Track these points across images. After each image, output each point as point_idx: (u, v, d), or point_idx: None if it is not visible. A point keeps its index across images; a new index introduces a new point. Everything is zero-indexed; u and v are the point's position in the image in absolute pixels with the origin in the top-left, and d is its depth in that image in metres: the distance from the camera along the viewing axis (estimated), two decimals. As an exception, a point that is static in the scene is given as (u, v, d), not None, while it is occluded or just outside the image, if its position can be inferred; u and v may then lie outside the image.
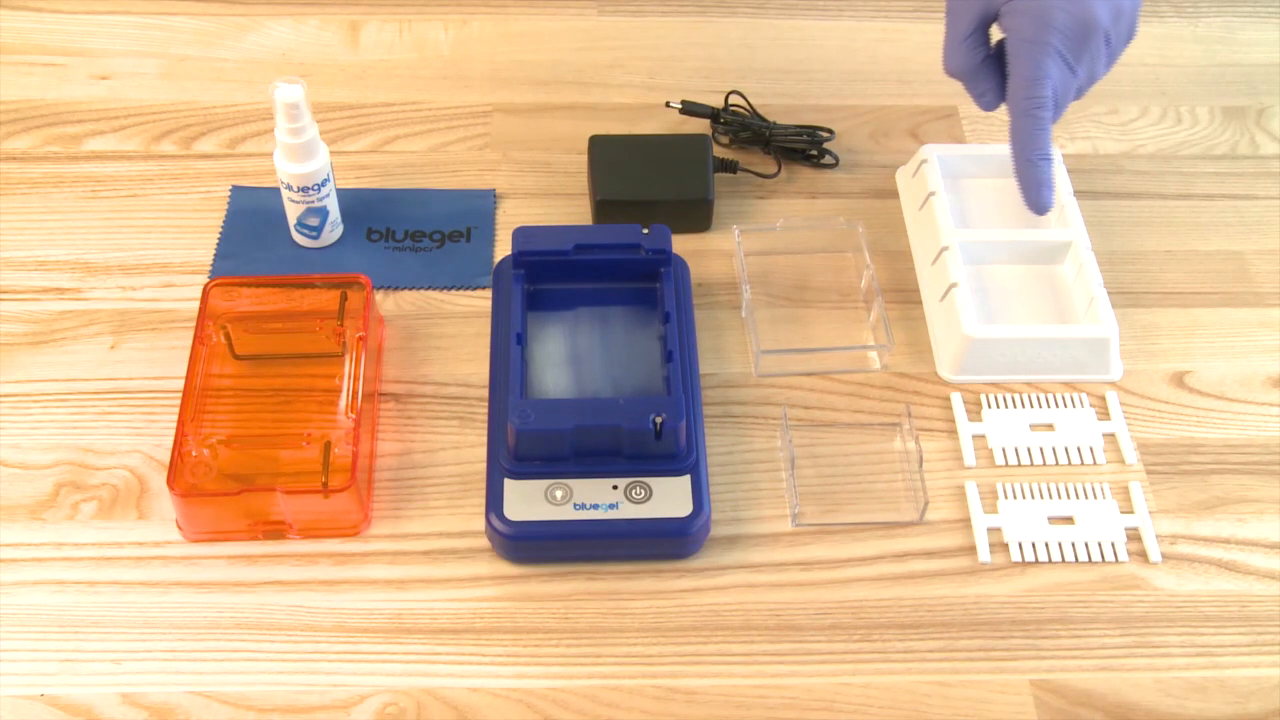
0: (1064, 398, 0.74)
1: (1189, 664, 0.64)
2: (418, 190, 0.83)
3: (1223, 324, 0.78)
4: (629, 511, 0.65)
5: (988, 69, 0.73)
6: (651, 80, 0.92)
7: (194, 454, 0.66)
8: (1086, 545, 0.68)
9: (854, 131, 0.88)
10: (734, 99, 0.88)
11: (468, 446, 0.70)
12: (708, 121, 0.87)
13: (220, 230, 0.80)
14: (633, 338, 0.73)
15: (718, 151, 0.86)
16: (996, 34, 0.74)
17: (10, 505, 0.67)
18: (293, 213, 0.78)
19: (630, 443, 0.65)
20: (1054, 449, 0.71)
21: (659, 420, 0.64)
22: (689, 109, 0.87)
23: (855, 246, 0.80)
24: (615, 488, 0.65)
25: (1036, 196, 0.73)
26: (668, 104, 0.87)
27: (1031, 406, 0.73)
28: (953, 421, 0.73)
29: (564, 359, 0.72)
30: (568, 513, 0.64)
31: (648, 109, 0.89)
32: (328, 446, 0.66)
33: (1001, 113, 0.90)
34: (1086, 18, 0.69)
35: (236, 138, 0.86)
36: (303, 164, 0.74)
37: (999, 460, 0.71)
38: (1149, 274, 0.81)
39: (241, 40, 0.93)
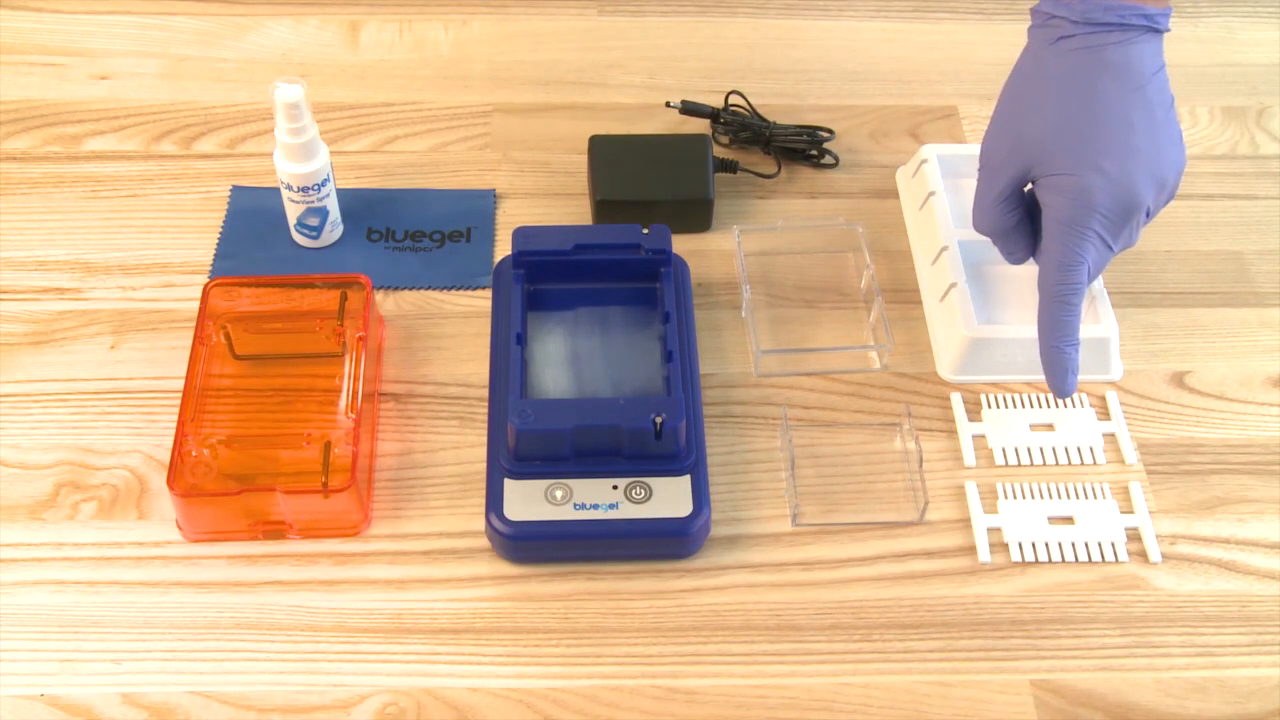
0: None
1: (1189, 664, 0.64)
2: (418, 190, 0.83)
3: (1223, 324, 0.78)
4: (629, 511, 0.65)
5: (1020, 230, 0.70)
6: (651, 80, 0.92)
7: (194, 454, 0.66)
8: (1086, 545, 0.68)
9: (854, 131, 0.88)
10: (734, 99, 0.88)
11: (468, 446, 0.70)
12: (708, 121, 0.87)
13: (220, 230, 0.80)
14: (633, 338, 0.73)
15: (718, 151, 0.86)
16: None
17: (10, 505, 0.67)
18: (293, 213, 0.78)
19: (630, 443, 0.65)
20: (1054, 449, 0.71)
21: (659, 420, 0.64)
22: (689, 109, 0.87)
23: (855, 246, 0.80)
24: (615, 488, 0.65)
25: (1061, 383, 0.68)
26: (668, 104, 0.87)
27: (1031, 406, 0.73)
28: (953, 421, 0.73)
29: (564, 359, 0.72)
30: (568, 513, 0.64)
31: (648, 109, 0.89)
32: (328, 446, 0.66)
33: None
34: (1129, 200, 0.65)
35: (236, 138, 0.86)
36: (303, 164, 0.74)
37: (999, 460, 0.71)
38: (1149, 274, 0.81)
39: (241, 40, 0.93)
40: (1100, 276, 0.75)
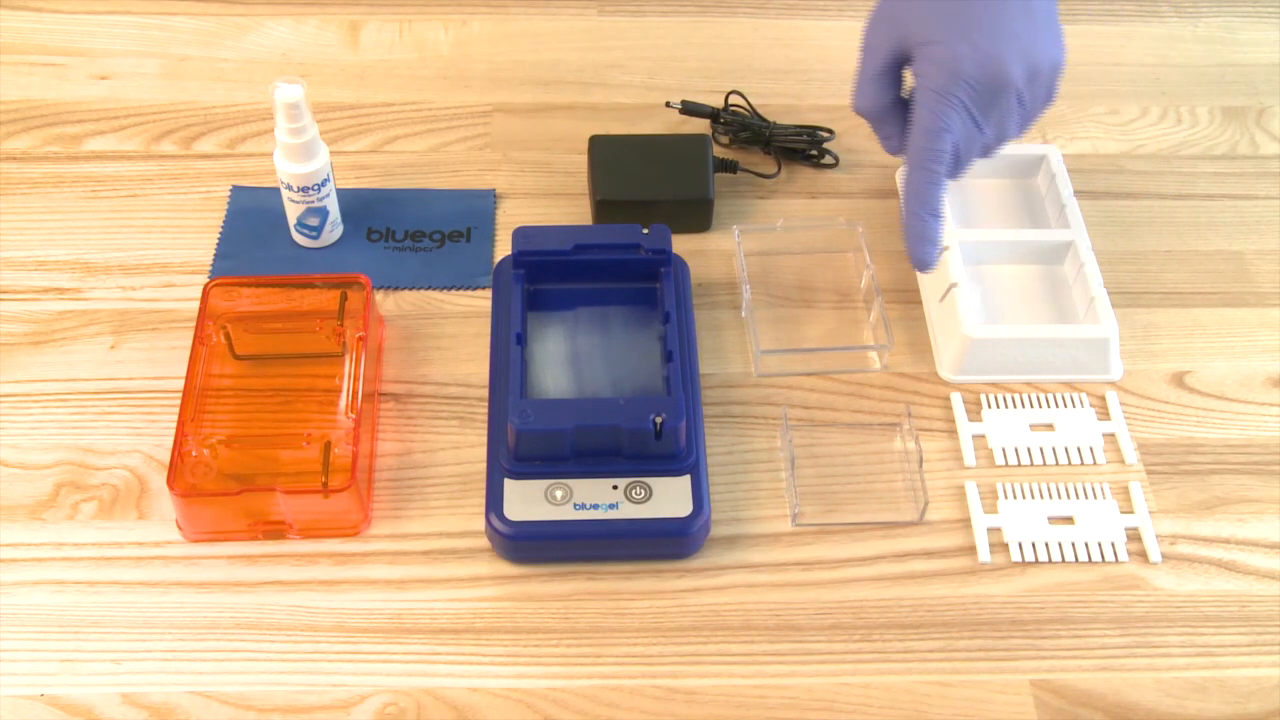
0: (1064, 398, 0.74)
1: (1189, 664, 0.64)
2: (418, 190, 0.83)
3: (1223, 324, 0.78)
4: (629, 511, 0.65)
5: (896, 112, 0.70)
6: (651, 80, 0.92)
7: (194, 454, 0.66)
8: (1086, 545, 0.68)
9: (854, 131, 0.88)
10: (734, 99, 0.88)
11: (468, 446, 0.70)
12: (708, 121, 0.87)
13: (220, 230, 0.80)
14: (633, 338, 0.73)
15: (718, 151, 0.86)
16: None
17: (10, 505, 0.67)
18: (293, 213, 0.78)
19: (630, 443, 0.65)
20: (1054, 449, 0.71)
21: (659, 420, 0.64)
22: (689, 109, 0.87)
23: (855, 246, 0.80)
24: (615, 488, 0.65)
25: (920, 251, 0.69)
26: (668, 104, 0.87)
27: (1031, 406, 0.73)
28: (953, 421, 0.73)
29: (564, 359, 0.72)
30: (568, 513, 0.64)
31: (648, 109, 0.89)
32: (328, 446, 0.66)
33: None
34: (998, 72, 0.66)
35: (236, 138, 0.86)
36: (303, 164, 0.74)
37: (999, 460, 0.71)
38: (1149, 274, 0.81)
39: (241, 40, 0.93)
40: (1100, 276, 0.75)
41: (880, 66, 0.69)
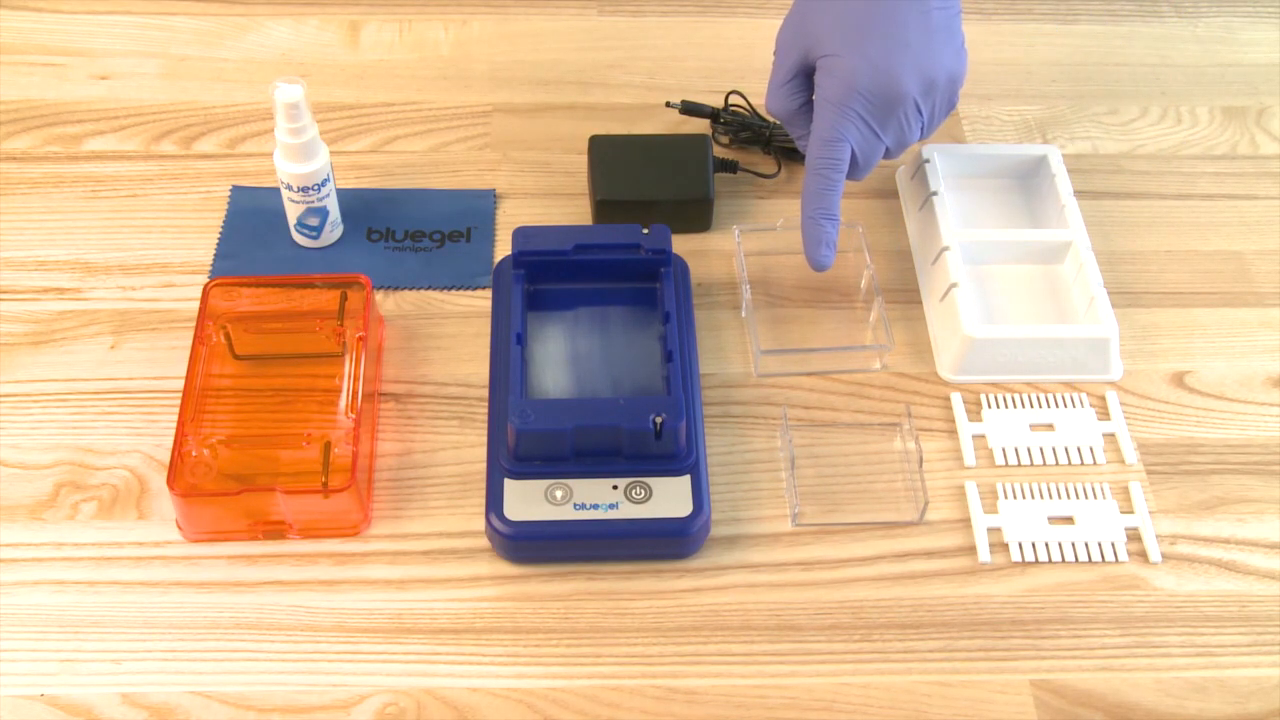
0: (1064, 398, 0.74)
1: (1189, 664, 0.64)
2: (418, 190, 0.83)
3: (1223, 324, 0.78)
4: (629, 511, 0.65)
5: (804, 115, 0.74)
6: (651, 80, 0.92)
7: (194, 454, 0.66)
8: (1086, 545, 0.68)
9: (854, 131, 0.88)
10: (734, 99, 0.88)
11: (468, 446, 0.70)
12: (708, 121, 0.87)
13: (220, 230, 0.80)
14: (633, 338, 0.73)
15: (718, 151, 0.86)
16: None
17: (10, 505, 0.67)
18: (293, 213, 0.78)
19: (630, 443, 0.65)
20: (1054, 449, 0.71)
21: (659, 420, 0.64)
22: (689, 109, 0.87)
23: (855, 246, 0.80)
24: (615, 488, 0.65)
25: (815, 254, 0.73)
26: (668, 104, 0.87)
27: (1031, 406, 0.73)
28: (953, 421, 0.73)
29: (564, 359, 0.72)
30: (568, 513, 0.64)
31: (648, 109, 0.89)
32: (328, 446, 0.66)
33: (1003, 112, 0.91)
34: (891, 86, 0.69)
35: (236, 138, 0.86)
36: (303, 164, 0.74)
37: (999, 460, 0.71)
38: (1149, 274, 0.81)
39: (241, 40, 0.93)
40: (1100, 276, 0.75)
41: (787, 74, 0.73)
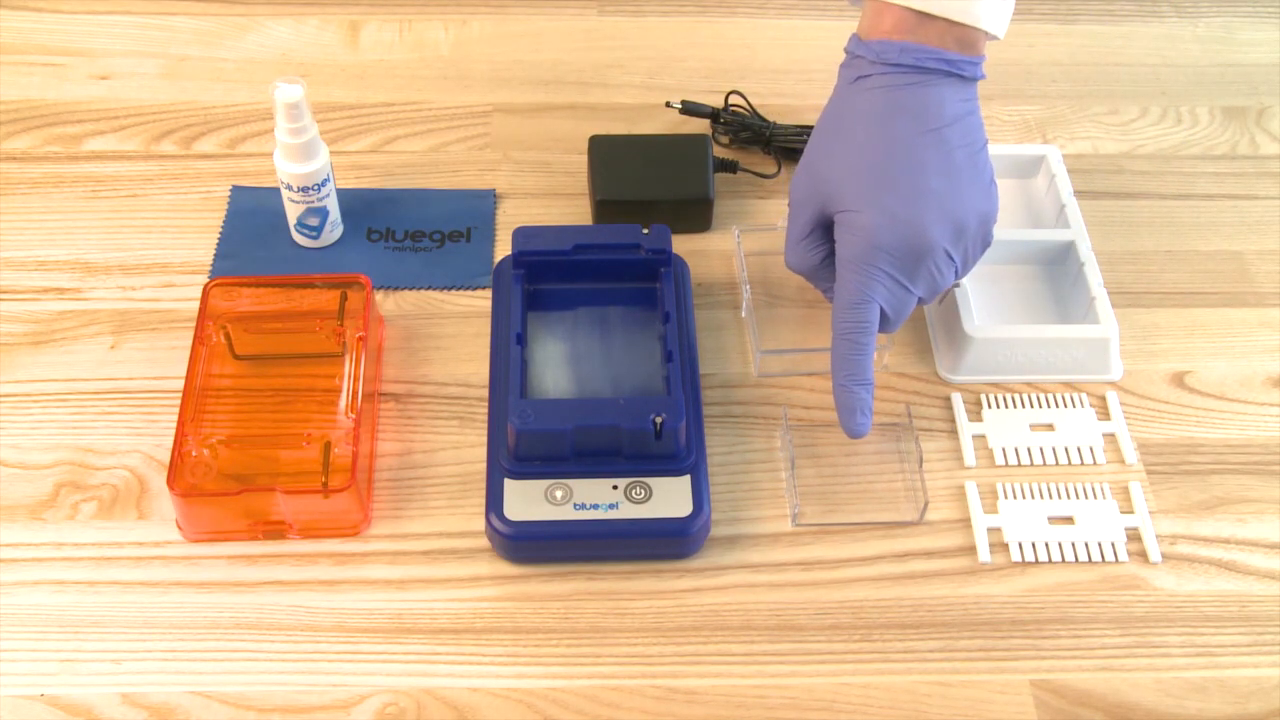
0: (1064, 398, 0.74)
1: (1189, 664, 0.64)
2: (418, 190, 0.83)
3: (1223, 324, 0.78)
4: (629, 511, 0.65)
5: (829, 268, 0.69)
6: (651, 80, 0.92)
7: (194, 454, 0.66)
8: (1086, 545, 0.68)
9: (854, 131, 0.88)
10: (734, 99, 0.88)
11: (468, 446, 0.70)
12: (708, 121, 0.87)
13: (220, 230, 0.80)
14: (633, 338, 0.73)
15: (718, 151, 0.86)
16: None
17: (10, 505, 0.67)
18: (293, 213, 0.78)
19: (630, 443, 0.65)
20: (1054, 449, 0.71)
21: (659, 420, 0.64)
22: (689, 109, 0.87)
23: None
24: (615, 488, 0.65)
25: (849, 421, 0.66)
26: (668, 104, 0.87)
27: (1031, 406, 0.73)
28: (953, 421, 0.73)
29: (564, 359, 0.72)
30: (568, 513, 0.64)
31: (648, 109, 0.89)
32: (328, 446, 0.66)
33: (1003, 112, 0.91)
34: (917, 239, 0.64)
35: (236, 138, 0.86)
36: (303, 164, 0.74)
37: (999, 460, 0.71)
38: (1149, 274, 0.81)
39: (241, 40, 0.93)
40: (1100, 276, 0.75)
41: (805, 229, 0.69)
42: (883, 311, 0.66)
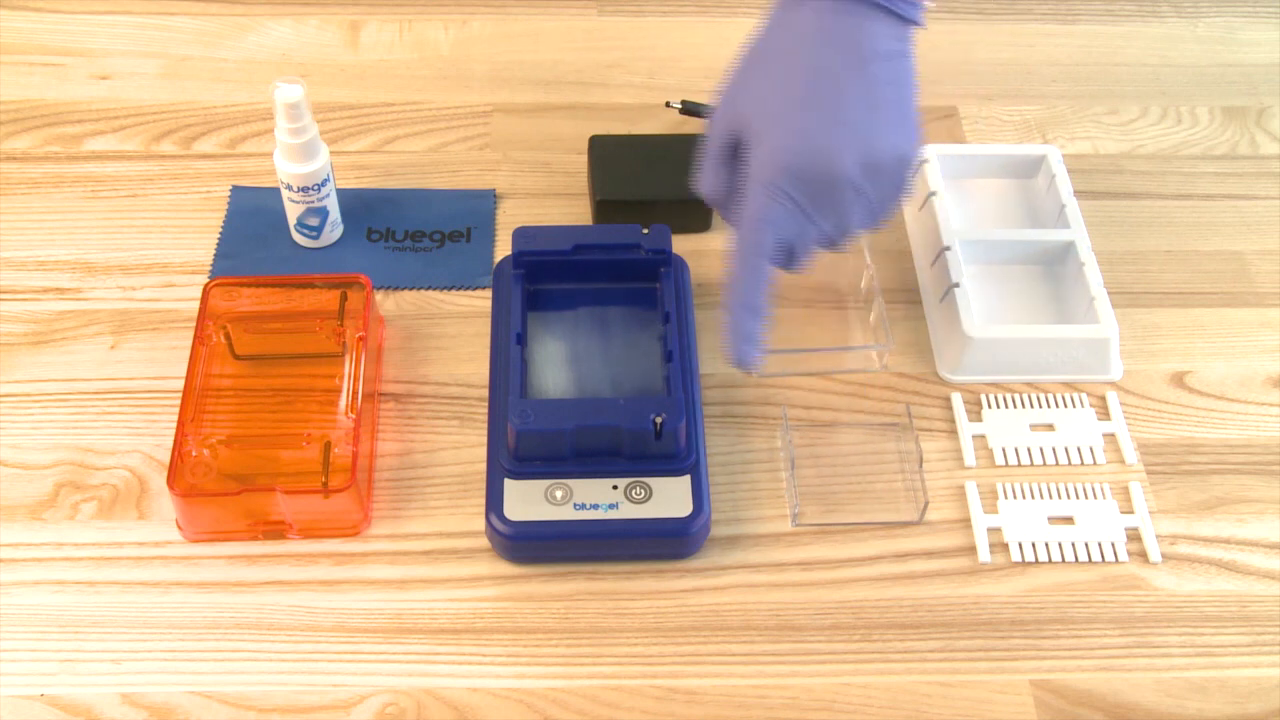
0: (1064, 398, 0.74)
1: (1189, 664, 0.64)
2: (418, 190, 0.83)
3: (1223, 324, 0.78)
4: (629, 511, 0.65)
5: (739, 195, 0.65)
6: (651, 80, 0.92)
7: (194, 454, 0.66)
8: (1086, 545, 0.68)
9: (854, 131, 0.88)
10: (734, 99, 0.88)
11: (468, 446, 0.70)
12: (707, 121, 0.87)
13: (220, 230, 0.80)
14: (633, 338, 0.73)
15: (718, 151, 0.86)
16: None
17: (10, 505, 0.67)
18: (293, 213, 0.78)
19: (630, 443, 0.65)
20: (1054, 449, 0.71)
21: (659, 420, 0.64)
22: (689, 109, 0.87)
23: (855, 247, 0.79)
24: (615, 488, 0.65)
25: (735, 350, 0.63)
26: (668, 104, 0.87)
27: (1031, 406, 0.73)
28: (953, 421, 0.73)
29: (564, 359, 0.72)
30: (568, 513, 0.64)
31: (648, 109, 0.89)
32: (328, 446, 0.66)
33: (1003, 112, 0.91)
34: (825, 166, 0.61)
35: (236, 138, 0.86)
36: (303, 164, 0.74)
37: (999, 460, 0.71)
38: (1149, 274, 0.81)
39: (241, 40, 0.93)
40: (1100, 276, 0.75)
41: (719, 150, 0.66)
42: (787, 244, 0.64)
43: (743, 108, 0.64)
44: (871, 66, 0.62)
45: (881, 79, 0.63)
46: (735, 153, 0.65)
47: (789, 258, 0.65)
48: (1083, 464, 0.71)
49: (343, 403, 0.68)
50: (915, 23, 0.64)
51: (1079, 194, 0.81)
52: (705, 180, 0.67)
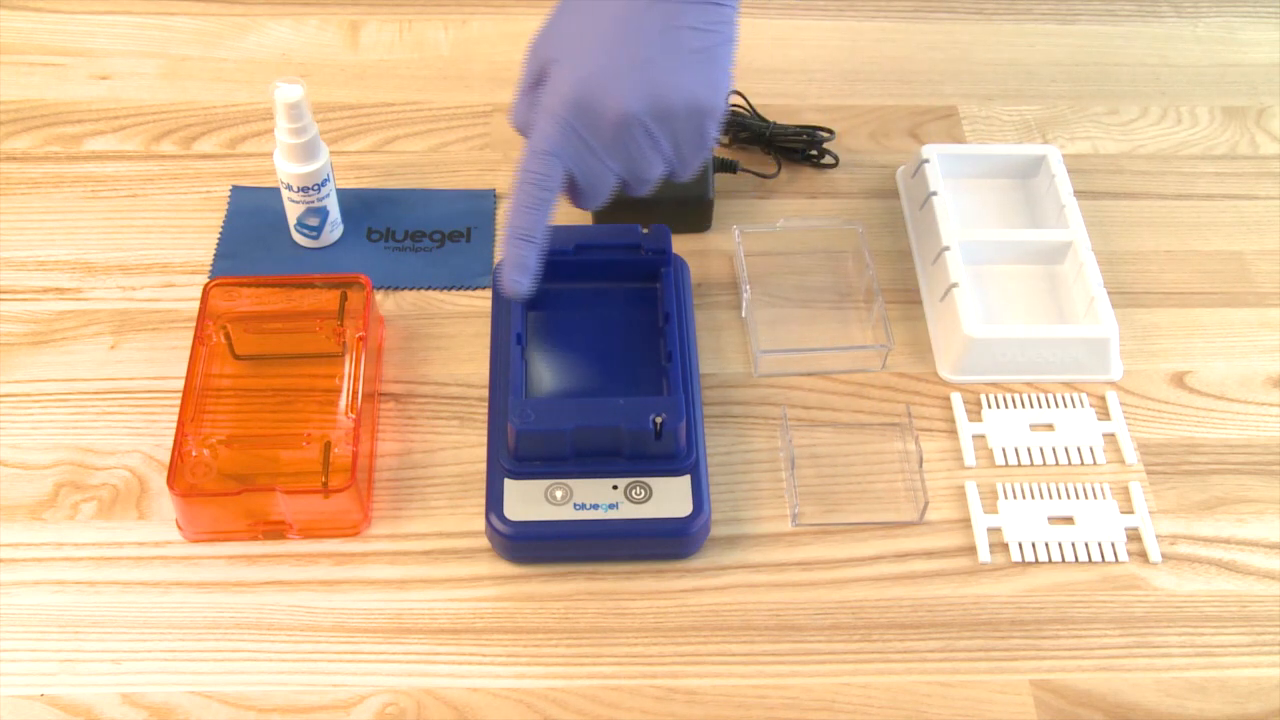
0: (1064, 398, 0.74)
1: (1189, 664, 0.64)
2: (418, 190, 0.83)
3: (1223, 324, 0.78)
4: (629, 511, 0.65)
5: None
6: (651, 80, 0.91)
7: (194, 454, 0.66)
8: (1086, 545, 0.68)
9: (854, 131, 0.88)
10: (734, 99, 0.88)
11: (468, 446, 0.70)
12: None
13: (220, 230, 0.80)
14: (633, 338, 0.73)
15: (718, 151, 0.86)
16: None
17: (10, 505, 0.67)
18: (293, 213, 0.78)
19: (630, 443, 0.65)
20: (1054, 449, 0.71)
21: (659, 420, 0.64)
22: (689, 109, 0.87)
23: (855, 246, 0.80)
24: (615, 488, 0.65)
25: (507, 279, 0.63)
26: (667, 104, 0.87)
27: (1031, 406, 0.73)
28: (953, 421, 0.73)
29: (564, 359, 0.72)
30: (568, 513, 0.64)
31: (648, 109, 0.89)
32: (328, 446, 0.66)
33: (1003, 112, 0.91)
34: (611, 103, 0.60)
35: (236, 138, 0.86)
36: (303, 164, 0.74)
37: (999, 460, 0.71)
38: (1149, 274, 0.81)
39: (241, 40, 0.93)
40: (1100, 276, 0.75)
41: (527, 83, 0.65)
42: (576, 182, 0.64)
43: (551, 43, 0.64)
44: (680, 10, 0.62)
45: (687, 23, 0.62)
46: (540, 87, 0.65)
47: (580, 195, 0.65)
48: (1083, 464, 0.71)
49: (343, 403, 0.68)
50: None
51: (1079, 194, 0.81)
52: (514, 112, 0.66)
